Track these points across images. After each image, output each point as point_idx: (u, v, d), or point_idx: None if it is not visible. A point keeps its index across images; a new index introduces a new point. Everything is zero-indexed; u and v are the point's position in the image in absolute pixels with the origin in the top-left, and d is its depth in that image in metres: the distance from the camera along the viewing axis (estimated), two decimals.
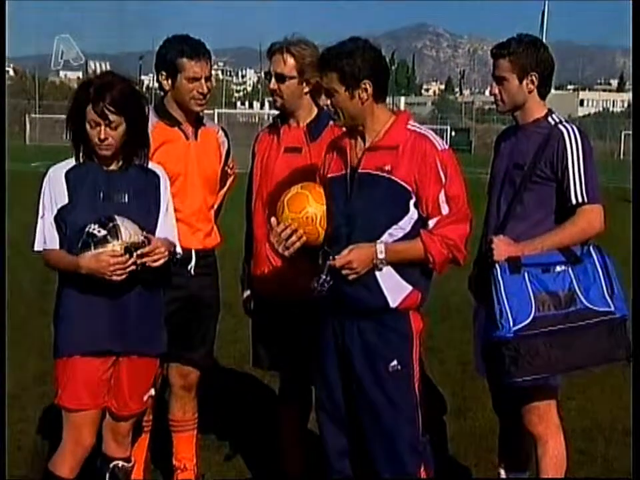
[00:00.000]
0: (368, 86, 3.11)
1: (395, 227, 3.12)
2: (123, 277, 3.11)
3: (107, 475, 3.40)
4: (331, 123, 3.80)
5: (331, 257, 3.11)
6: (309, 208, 3.16)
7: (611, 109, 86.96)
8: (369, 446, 3.22)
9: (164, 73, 3.68)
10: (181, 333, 3.79)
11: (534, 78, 3.44)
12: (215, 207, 3.92)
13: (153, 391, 3.44)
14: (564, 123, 3.44)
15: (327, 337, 3.27)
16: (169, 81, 3.68)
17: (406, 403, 3.17)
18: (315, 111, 3.82)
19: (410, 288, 3.16)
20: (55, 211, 3.21)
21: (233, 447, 4.63)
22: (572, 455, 4.54)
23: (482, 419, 4.88)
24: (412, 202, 3.12)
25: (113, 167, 3.28)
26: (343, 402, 3.26)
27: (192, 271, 3.75)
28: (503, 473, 3.80)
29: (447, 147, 3.19)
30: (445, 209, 3.11)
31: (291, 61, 3.70)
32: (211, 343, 3.95)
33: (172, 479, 4.02)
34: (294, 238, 3.14)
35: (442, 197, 3.10)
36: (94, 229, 3.11)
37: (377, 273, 3.12)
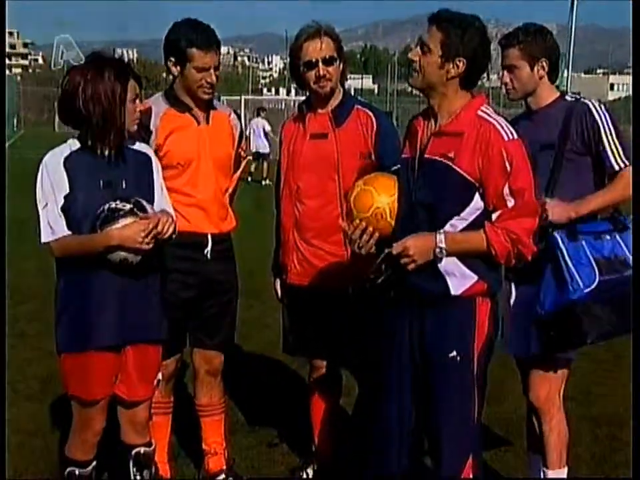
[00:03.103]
0: (461, 65, 3.00)
1: (456, 217, 3.01)
2: (151, 246, 3.08)
3: (131, 463, 3.41)
4: (356, 106, 3.80)
5: (387, 247, 3.01)
6: (376, 204, 3.03)
7: None
8: (425, 436, 3.19)
9: (172, 59, 3.65)
10: (199, 318, 3.81)
11: (544, 64, 3.49)
12: (230, 190, 3.89)
13: (160, 376, 3.44)
14: (583, 99, 3.51)
15: (388, 328, 3.19)
16: (178, 68, 3.64)
17: (463, 394, 3.08)
18: (341, 94, 3.81)
19: (475, 277, 3.03)
20: (61, 199, 3.12)
21: (265, 432, 4.64)
22: (604, 441, 4.55)
23: (511, 405, 4.87)
24: (477, 193, 2.99)
25: (107, 152, 3.21)
26: (396, 396, 3.17)
27: (208, 255, 3.74)
28: (531, 456, 3.82)
29: (515, 136, 3.00)
30: (510, 202, 2.96)
31: (332, 43, 3.68)
32: (230, 327, 3.94)
33: (202, 464, 4.05)
34: (365, 237, 3.05)
35: (507, 189, 2.95)
36: (117, 205, 3.08)
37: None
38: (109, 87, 3.12)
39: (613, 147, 3.41)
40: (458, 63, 3.00)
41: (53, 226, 3.14)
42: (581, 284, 3.32)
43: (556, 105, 3.52)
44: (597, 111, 3.43)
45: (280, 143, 3.93)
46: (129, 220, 3.07)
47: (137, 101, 3.20)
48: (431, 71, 3.02)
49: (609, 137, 3.41)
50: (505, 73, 3.56)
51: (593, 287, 3.32)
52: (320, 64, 3.65)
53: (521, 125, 3.60)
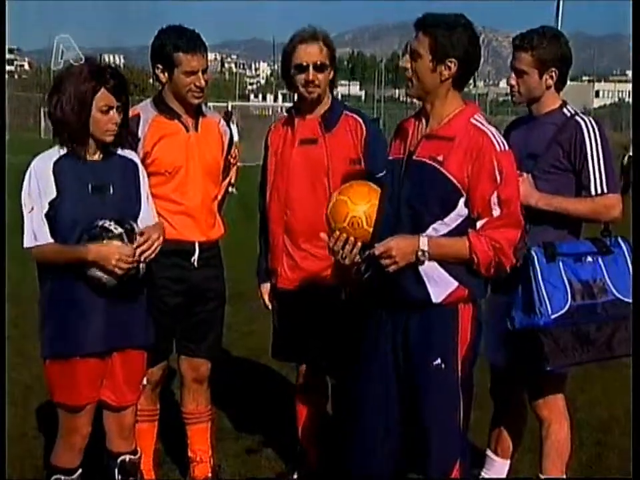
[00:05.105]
0: (453, 65, 3.00)
1: (439, 222, 3.00)
2: (123, 271, 3.05)
3: (116, 471, 3.40)
4: (345, 112, 3.79)
5: (371, 247, 3.01)
6: (352, 213, 3.05)
7: (626, 100, 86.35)
8: (408, 442, 3.16)
9: (160, 66, 3.63)
10: (186, 326, 3.80)
11: (554, 74, 3.45)
12: (219, 197, 3.89)
13: (145, 381, 3.44)
14: (580, 115, 3.47)
15: (372, 335, 3.18)
16: (166, 74, 3.62)
17: (448, 401, 3.07)
18: (330, 100, 3.80)
19: (456, 284, 3.02)
20: (46, 205, 3.10)
21: (251, 439, 4.64)
22: (589, 447, 4.57)
23: None
24: (462, 199, 2.98)
25: (95, 157, 3.21)
26: (377, 399, 3.16)
27: (195, 263, 3.72)
28: (491, 455, 3.88)
29: (507, 147, 3.02)
30: (496, 211, 2.97)
31: (325, 49, 3.67)
32: (217, 334, 3.93)
33: (188, 471, 4.03)
34: (348, 247, 3.06)
35: (494, 198, 2.96)
36: (110, 225, 3.06)
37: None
38: (71, 93, 3.09)
39: (597, 171, 3.36)
40: (449, 64, 3.00)
41: (36, 232, 3.12)
42: (549, 309, 3.25)
43: (553, 115, 3.48)
44: (589, 131, 3.38)
45: (266, 148, 3.91)
46: (114, 243, 3.05)
47: (112, 112, 3.13)
48: (423, 76, 3.03)
49: (594, 160, 3.36)
50: (513, 75, 3.52)
51: (562, 312, 3.26)
52: (310, 68, 3.64)
53: (518, 128, 3.62)
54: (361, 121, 3.77)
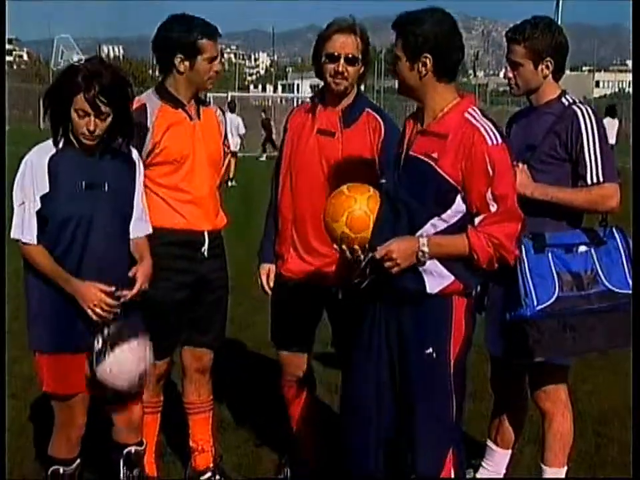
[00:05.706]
0: (427, 60, 2.99)
1: (437, 218, 3.00)
2: (96, 317, 3.11)
3: (122, 462, 3.42)
4: (367, 109, 3.74)
5: (371, 250, 3.03)
6: (338, 230, 3.07)
7: (627, 90, 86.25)
8: (402, 432, 3.17)
9: (181, 56, 3.58)
10: (192, 316, 3.79)
11: (549, 63, 3.45)
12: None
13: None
14: (577, 104, 3.46)
15: (366, 325, 3.20)
16: (186, 63, 3.59)
17: (440, 391, 3.08)
18: (354, 94, 3.75)
19: (452, 278, 3.03)
20: (37, 200, 3.10)
21: (251, 430, 4.65)
22: (589, 438, 4.58)
23: None
24: (459, 196, 2.98)
25: (91, 154, 3.19)
26: (374, 394, 3.17)
27: (205, 254, 3.72)
28: (491, 445, 3.91)
29: (500, 141, 2.98)
30: (493, 207, 2.95)
31: (360, 43, 3.63)
32: (221, 325, 3.94)
33: (189, 461, 4.05)
34: (356, 253, 3.07)
35: (489, 194, 2.94)
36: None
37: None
38: (61, 94, 3.11)
39: (592, 159, 3.36)
40: (424, 59, 3.00)
41: (23, 227, 3.14)
42: (535, 300, 3.25)
43: (552, 105, 3.47)
44: (585, 120, 3.38)
45: (284, 131, 3.90)
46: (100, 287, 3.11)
47: (88, 118, 3.09)
48: (404, 76, 3.05)
49: (590, 149, 3.35)
50: (509, 67, 3.53)
51: (548, 303, 3.24)
52: (342, 59, 3.60)
53: (519, 121, 3.62)
54: (381, 121, 3.72)
